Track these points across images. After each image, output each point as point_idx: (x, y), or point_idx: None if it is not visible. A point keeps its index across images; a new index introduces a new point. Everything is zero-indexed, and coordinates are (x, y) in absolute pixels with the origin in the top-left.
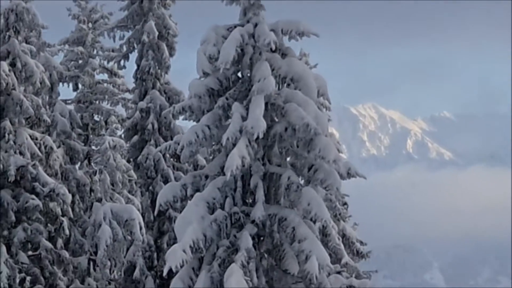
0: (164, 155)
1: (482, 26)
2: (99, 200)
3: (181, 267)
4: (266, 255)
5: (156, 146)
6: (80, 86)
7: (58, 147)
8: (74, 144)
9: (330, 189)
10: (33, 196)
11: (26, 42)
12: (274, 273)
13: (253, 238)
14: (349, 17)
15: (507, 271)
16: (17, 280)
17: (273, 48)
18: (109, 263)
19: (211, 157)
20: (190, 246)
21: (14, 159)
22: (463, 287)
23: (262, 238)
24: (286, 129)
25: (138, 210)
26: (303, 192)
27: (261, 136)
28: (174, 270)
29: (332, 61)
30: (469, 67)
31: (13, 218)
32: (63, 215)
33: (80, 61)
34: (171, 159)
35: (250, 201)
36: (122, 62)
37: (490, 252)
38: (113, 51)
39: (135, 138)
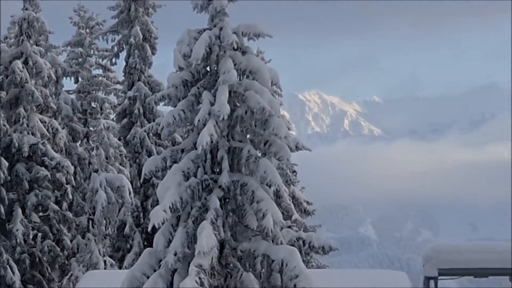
0: (148, 134)
1: (403, 25)
2: (96, 171)
3: (163, 224)
4: (230, 214)
5: (142, 127)
6: (79, 79)
7: (63, 128)
8: (76, 126)
9: (282, 160)
10: (43, 168)
11: (36, 45)
12: (237, 228)
13: (220, 200)
14: (298, 16)
15: (426, 224)
16: (31, 236)
17: (235, 47)
18: (104, 222)
19: (186, 135)
20: (170, 207)
21: (27, 139)
22: (390, 237)
23: (227, 200)
24: (246, 112)
25: (128, 178)
26: (260, 163)
27: (226, 118)
28: (156, 226)
29: (283, 56)
30: (394, 59)
31: (27, 186)
32: (67, 183)
33: (80, 59)
34: (154, 137)
35: (218, 170)
36: (113, 60)
37: (412, 209)
38: (106, 51)
39: (125, 120)
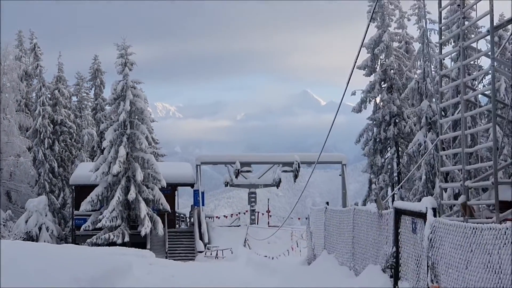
0: (102, 116)
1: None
2: (84, 128)
3: (106, 147)
4: (130, 143)
5: (101, 113)
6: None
7: (76, 117)
8: (86, 115)
9: (147, 124)
10: (65, 127)
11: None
12: (132, 147)
13: (126, 139)
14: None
15: (199, 148)
16: (61, 150)
17: (131, 86)
18: (87, 146)
19: (115, 116)
20: (109, 141)
21: (61, 118)
22: (188, 153)
23: (129, 138)
24: (136, 109)
25: (95, 131)
26: (140, 125)
27: (128, 110)
28: (104, 147)
29: (146, 84)
30: (198, 86)
31: (59, 132)
32: (73, 133)
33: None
34: (104, 116)
35: (126, 128)
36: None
37: (191, 142)
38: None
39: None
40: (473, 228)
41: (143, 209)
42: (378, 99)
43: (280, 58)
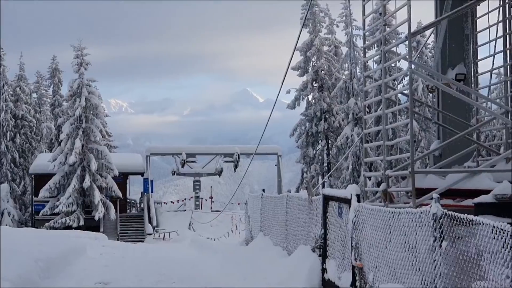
0: (59, 111)
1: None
2: (43, 122)
3: (63, 139)
4: (85, 136)
5: (59, 108)
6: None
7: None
8: (45, 110)
9: (101, 119)
10: (26, 121)
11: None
12: (87, 140)
13: (82, 132)
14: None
15: (149, 140)
16: (22, 142)
17: (87, 84)
18: (45, 138)
19: (72, 111)
20: (66, 134)
21: (22, 112)
22: (139, 145)
23: (84, 132)
24: (91, 104)
25: (54, 125)
26: (94, 120)
27: (83, 106)
28: (62, 139)
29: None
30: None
31: (20, 126)
32: (32, 126)
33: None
34: (62, 112)
35: (82, 122)
36: (48, 89)
37: (147, 137)
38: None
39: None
40: (392, 212)
41: (97, 196)
42: (310, 97)
43: (222, 60)
